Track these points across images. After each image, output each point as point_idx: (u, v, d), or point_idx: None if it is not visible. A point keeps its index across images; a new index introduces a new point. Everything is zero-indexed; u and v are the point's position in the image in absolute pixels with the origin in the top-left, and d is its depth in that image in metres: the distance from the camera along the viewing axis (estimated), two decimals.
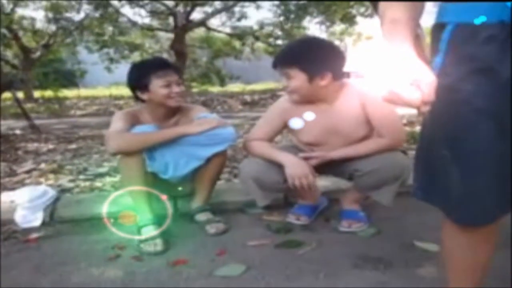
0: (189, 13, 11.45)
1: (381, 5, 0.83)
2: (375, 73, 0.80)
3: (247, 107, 8.86)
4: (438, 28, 0.83)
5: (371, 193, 1.73)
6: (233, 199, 2.05)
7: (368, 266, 1.43)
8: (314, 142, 1.75)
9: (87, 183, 2.44)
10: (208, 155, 1.73)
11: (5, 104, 6.93)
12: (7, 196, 2.10)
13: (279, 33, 12.33)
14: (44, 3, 10.96)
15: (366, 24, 11.80)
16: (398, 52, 0.78)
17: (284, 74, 1.65)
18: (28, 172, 2.77)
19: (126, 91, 8.42)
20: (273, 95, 10.05)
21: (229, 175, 2.52)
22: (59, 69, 15.40)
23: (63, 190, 2.29)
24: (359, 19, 11.58)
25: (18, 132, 5.11)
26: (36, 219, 1.88)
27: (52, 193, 2.04)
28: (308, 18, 11.72)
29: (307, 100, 1.69)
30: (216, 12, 11.82)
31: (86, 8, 10.77)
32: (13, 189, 2.28)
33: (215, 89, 13.47)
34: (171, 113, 1.79)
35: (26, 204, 1.89)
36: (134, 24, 11.65)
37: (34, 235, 1.76)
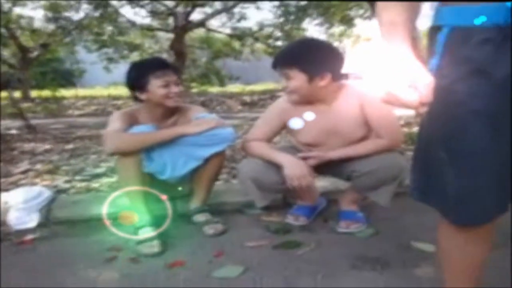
0: (189, 14, 11.44)
1: (378, 6, 0.84)
2: (373, 74, 0.81)
3: (246, 107, 8.85)
4: (435, 30, 0.84)
5: (369, 194, 1.74)
6: (231, 199, 2.05)
7: (366, 267, 1.43)
8: (313, 142, 1.75)
9: (84, 184, 2.43)
10: (207, 155, 1.73)
11: (1, 104, 6.88)
12: (1, 197, 2.07)
13: (279, 34, 12.34)
14: (43, 2, 10.90)
15: (365, 26, 11.86)
16: (396, 53, 0.79)
17: (283, 75, 1.66)
18: (23, 172, 2.75)
19: (124, 91, 8.42)
20: (272, 95, 10.03)
21: (227, 175, 2.51)
22: (57, 69, 15.35)
23: (59, 191, 2.27)
24: (357, 21, 11.62)
25: (14, 132, 5.06)
26: (32, 220, 1.85)
27: (47, 193, 2.02)
28: (307, 19, 11.74)
29: (306, 100, 1.69)
30: (216, 13, 11.82)
31: (85, 7, 10.73)
32: (8, 190, 2.25)
33: (215, 89, 13.44)
34: (170, 113, 1.79)
35: (21, 205, 1.87)
36: (133, 24, 11.62)
37: (30, 237, 1.75)
